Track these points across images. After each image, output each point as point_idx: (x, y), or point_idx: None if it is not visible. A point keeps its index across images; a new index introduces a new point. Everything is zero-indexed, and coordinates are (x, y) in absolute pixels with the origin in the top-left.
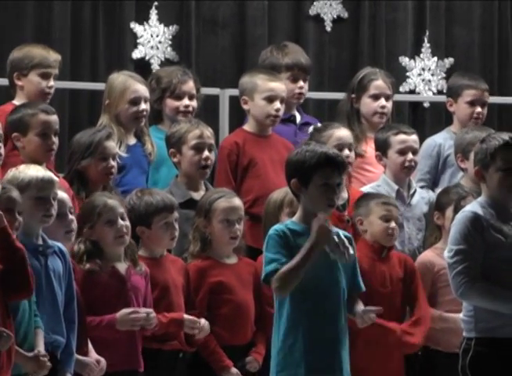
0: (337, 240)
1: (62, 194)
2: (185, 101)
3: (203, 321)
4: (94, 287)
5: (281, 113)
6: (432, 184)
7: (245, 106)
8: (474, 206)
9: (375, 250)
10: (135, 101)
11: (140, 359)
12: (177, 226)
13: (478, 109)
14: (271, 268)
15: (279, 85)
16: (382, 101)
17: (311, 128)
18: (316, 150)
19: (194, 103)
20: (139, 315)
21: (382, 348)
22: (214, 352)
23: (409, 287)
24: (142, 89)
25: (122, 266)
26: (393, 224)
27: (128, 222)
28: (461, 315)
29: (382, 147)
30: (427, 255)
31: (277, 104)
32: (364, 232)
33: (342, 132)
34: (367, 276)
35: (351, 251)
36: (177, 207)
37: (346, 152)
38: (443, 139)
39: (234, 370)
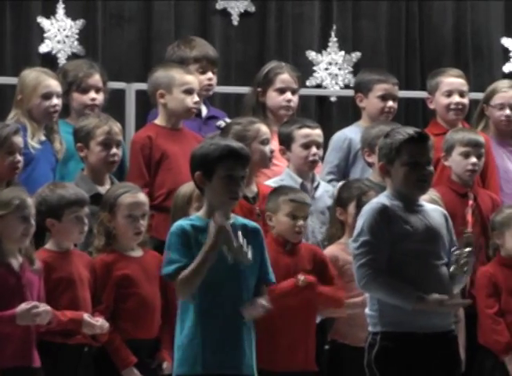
0: (235, 244)
1: None
2: (92, 94)
3: (100, 322)
4: None
5: (198, 105)
6: (342, 177)
7: (161, 100)
8: (381, 198)
9: (279, 243)
10: (47, 96)
11: (35, 354)
12: (86, 221)
13: (390, 103)
14: (170, 270)
15: (195, 78)
16: (288, 95)
17: (220, 123)
18: (220, 142)
19: (101, 97)
20: (39, 309)
21: (291, 337)
22: (117, 348)
23: (322, 277)
24: (54, 84)
25: (16, 262)
26: (300, 222)
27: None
28: (366, 310)
29: (286, 141)
30: (332, 250)
31: (195, 97)
32: (272, 227)
33: (265, 127)
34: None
35: (249, 256)
36: (88, 203)
37: (271, 147)
38: (354, 133)
39: (135, 370)
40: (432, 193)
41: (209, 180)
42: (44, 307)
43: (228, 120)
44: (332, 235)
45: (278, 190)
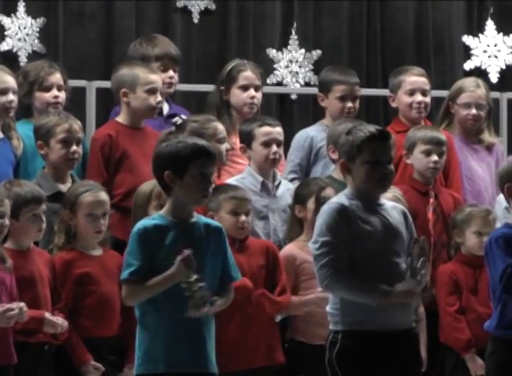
0: (192, 281)
1: None
2: (54, 92)
3: (61, 321)
4: None
5: (161, 105)
6: (304, 176)
7: (124, 99)
8: (340, 197)
9: (229, 242)
10: (3, 92)
11: (12, 352)
12: (44, 218)
13: (349, 104)
14: (124, 275)
15: (159, 77)
16: (251, 91)
17: (175, 119)
18: (188, 140)
19: (63, 94)
20: (14, 312)
21: (251, 333)
22: (75, 346)
23: (272, 273)
24: (10, 80)
25: None
26: (243, 217)
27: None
28: (328, 307)
29: (246, 139)
30: (289, 249)
31: (159, 96)
32: None
33: (221, 125)
34: None
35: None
36: (45, 200)
37: (226, 145)
38: (316, 132)
39: (92, 364)
40: (395, 191)
41: (180, 179)
42: (17, 307)
43: (184, 117)
44: (291, 237)
45: (217, 189)
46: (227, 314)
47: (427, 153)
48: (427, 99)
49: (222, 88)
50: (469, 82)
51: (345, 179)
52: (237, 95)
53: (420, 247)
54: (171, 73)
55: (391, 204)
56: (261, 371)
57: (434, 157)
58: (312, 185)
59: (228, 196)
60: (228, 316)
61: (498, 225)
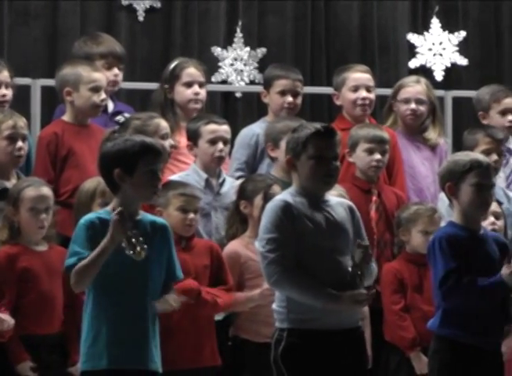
0: (133, 240)
1: None
2: (3, 90)
3: (7, 318)
4: None
5: (105, 103)
6: (251, 174)
7: (68, 98)
8: (284, 195)
9: (174, 240)
10: None
11: None
12: None
13: (289, 98)
14: (71, 261)
15: (102, 76)
16: (195, 88)
17: (119, 118)
18: (135, 138)
19: (10, 92)
20: None
21: (195, 334)
22: (12, 344)
23: (216, 273)
24: None
25: None
26: (191, 215)
27: None
28: (274, 305)
29: (193, 137)
30: (234, 246)
31: (103, 94)
32: None
33: (164, 122)
34: None
35: (143, 255)
36: None
37: (169, 142)
38: (260, 129)
39: (28, 364)
40: (339, 188)
41: (130, 176)
42: None
43: (126, 115)
44: (232, 235)
45: (167, 186)
46: (172, 313)
47: (370, 152)
48: (372, 96)
49: (166, 86)
50: (409, 79)
51: (287, 177)
52: (181, 93)
53: (363, 252)
54: (115, 71)
55: (337, 200)
56: (204, 371)
57: (377, 156)
58: (259, 181)
59: (177, 192)
60: (173, 315)
61: (442, 223)
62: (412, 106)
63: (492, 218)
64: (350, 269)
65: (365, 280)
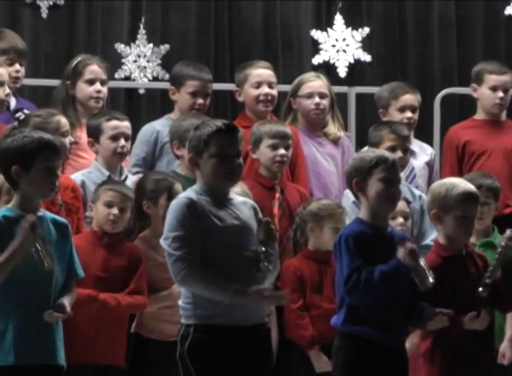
0: (42, 252)
1: None
2: None
3: None
4: None
5: (9, 98)
6: (148, 170)
7: None
8: (188, 192)
9: (97, 236)
10: None
11: None
12: None
13: (200, 100)
14: None
15: (4, 70)
16: (97, 85)
17: (19, 114)
18: (33, 135)
19: None
20: None
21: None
22: None
23: (132, 273)
24: None
25: None
26: (115, 211)
27: None
28: (180, 301)
29: (94, 133)
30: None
31: (6, 89)
32: (92, 218)
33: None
34: (87, 261)
35: (50, 266)
36: None
37: (70, 139)
38: (162, 126)
39: None
40: (243, 185)
41: (27, 173)
42: None
43: (26, 111)
44: (129, 230)
45: (102, 182)
46: (76, 308)
47: (274, 147)
48: (274, 92)
49: (68, 82)
50: (309, 74)
51: (193, 174)
52: (83, 90)
53: (265, 227)
54: (17, 67)
55: (241, 199)
56: (106, 368)
57: (281, 151)
58: (161, 180)
59: (107, 187)
60: (78, 311)
61: (347, 220)
62: (317, 100)
63: (400, 219)
64: (251, 252)
65: (271, 261)
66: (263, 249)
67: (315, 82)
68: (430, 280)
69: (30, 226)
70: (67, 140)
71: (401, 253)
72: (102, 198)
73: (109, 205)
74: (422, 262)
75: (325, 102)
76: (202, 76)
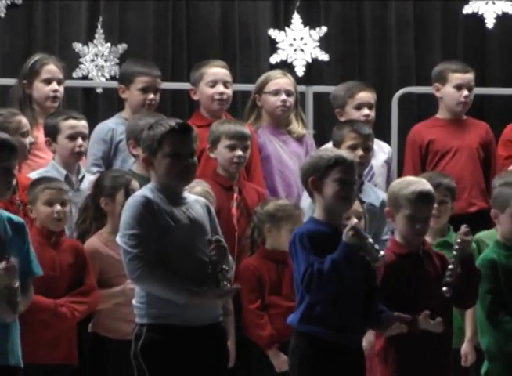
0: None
1: None
2: None
3: None
4: None
5: None
6: (106, 169)
7: None
8: (144, 191)
9: (44, 235)
10: None
11: None
12: None
13: (151, 95)
14: None
15: None
16: (54, 85)
17: None
18: None
19: None
20: None
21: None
22: None
23: (79, 272)
24: None
25: None
26: (58, 207)
27: None
28: (134, 301)
29: (51, 133)
30: (92, 243)
31: None
32: (35, 219)
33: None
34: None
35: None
36: None
37: (30, 139)
38: (115, 124)
39: None
40: (204, 184)
41: None
42: None
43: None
44: (84, 230)
45: (34, 183)
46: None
47: (231, 148)
48: (229, 91)
49: (25, 81)
50: (275, 72)
51: (148, 174)
52: (40, 89)
53: (215, 246)
54: None
55: (194, 197)
56: (59, 369)
57: (238, 152)
58: (118, 177)
59: (43, 186)
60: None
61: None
62: (283, 97)
63: (354, 219)
64: (210, 270)
65: (228, 272)
66: (220, 268)
67: (281, 80)
68: (381, 253)
69: (8, 269)
70: (27, 140)
71: (345, 235)
72: (42, 198)
73: (50, 203)
74: (369, 240)
75: (291, 99)
76: (151, 72)
